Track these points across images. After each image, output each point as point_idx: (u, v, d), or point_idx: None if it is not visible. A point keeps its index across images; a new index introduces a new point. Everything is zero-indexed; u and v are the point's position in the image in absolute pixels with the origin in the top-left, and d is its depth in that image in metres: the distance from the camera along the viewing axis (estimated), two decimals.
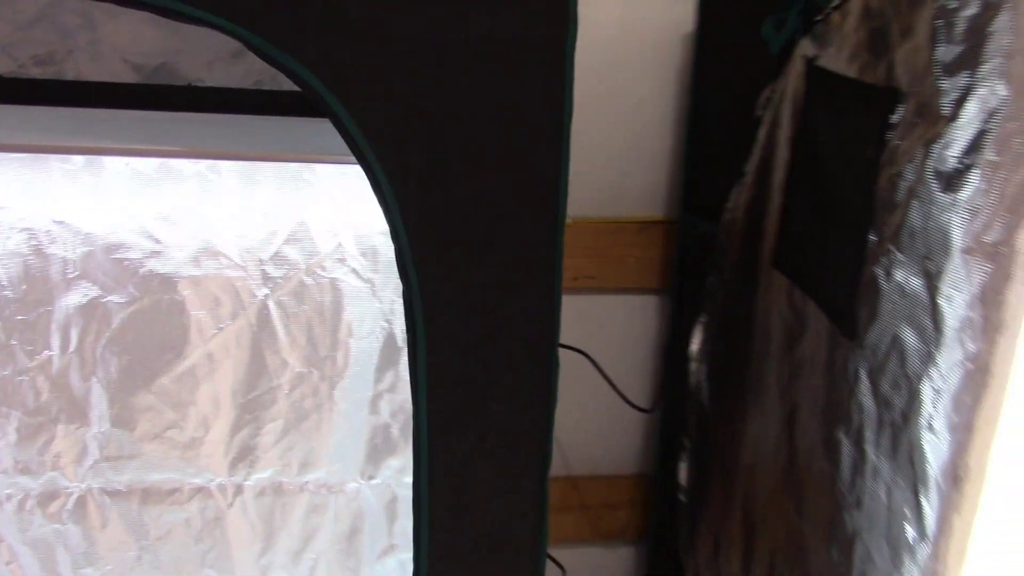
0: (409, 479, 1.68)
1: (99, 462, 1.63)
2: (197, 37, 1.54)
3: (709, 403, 1.57)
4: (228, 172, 1.58)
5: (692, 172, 1.75)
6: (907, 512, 0.97)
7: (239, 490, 1.69)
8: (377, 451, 1.72)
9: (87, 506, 1.65)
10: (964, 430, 0.93)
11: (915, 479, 0.96)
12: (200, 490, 1.68)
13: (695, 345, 1.57)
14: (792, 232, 1.28)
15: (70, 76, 1.52)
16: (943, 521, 0.94)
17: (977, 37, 0.89)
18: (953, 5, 0.91)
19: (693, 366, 1.59)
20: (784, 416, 1.28)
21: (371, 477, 1.73)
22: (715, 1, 1.68)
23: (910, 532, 0.97)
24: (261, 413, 1.67)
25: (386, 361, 1.69)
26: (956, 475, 0.93)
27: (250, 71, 1.59)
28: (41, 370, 1.58)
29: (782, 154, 1.31)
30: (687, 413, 1.61)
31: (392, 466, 1.73)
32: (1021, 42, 0.86)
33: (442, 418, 1.21)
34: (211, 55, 1.55)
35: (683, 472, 1.63)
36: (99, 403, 1.61)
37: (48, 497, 1.63)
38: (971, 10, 0.89)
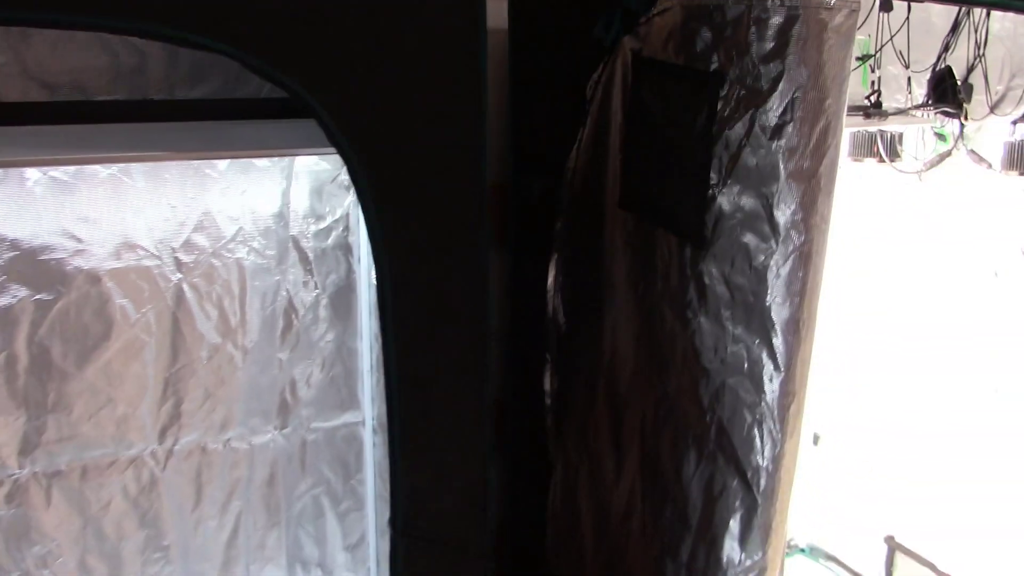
0: (317, 424, 2.00)
1: (39, 447, 1.78)
2: (101, 56, 1.70)
3: (565, 323, 1.97)
4: (137, 173, 1.78)
5: (520, 142, 2.14)
6: (764, 357, 1.43)
7: (169, 454, 1.90)
8: (285, 404, 1.99)
9: (30, 490, 1.79)
10: (798, 295, 1.39)
11: (768, 335, 1.42)
12: (134, 460, 1.88)
13: (551, 279, 1.97)
14: (634, 180, 1.70)
15: None
16: (790, 357, 1.41)
17: (783, 38, 1.34)
18: (765, 16, 1.35)
19: (549, 296, 1.99)
20: (643, 316, 1.71)
21: (283, 427, 1.99)
22: (522, 4, 2.07)
23: (768, 370, 1.43)
24: (183, 384, 1.89)
25: (287, 325, 1.96)
26: (797, 326, 1.39)
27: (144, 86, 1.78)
28: None
29: (616, 122, 1.73)
30: (546, 335, 2.01)
31: (301, 415, 2.00)
32: (811, 40, 1.32)
33: (405, 342, 1.51)
34: (112, 73, 1.72)
35: (547, 381, 2.03)
36: (35, 393, 1.76)
37: None
38: (777, 19, 1.34)
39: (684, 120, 1.53)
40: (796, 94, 1.34)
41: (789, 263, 1.39)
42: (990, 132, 1.97)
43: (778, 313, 1.40)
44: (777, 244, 1.39)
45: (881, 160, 2.20)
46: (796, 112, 1.35)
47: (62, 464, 1.81)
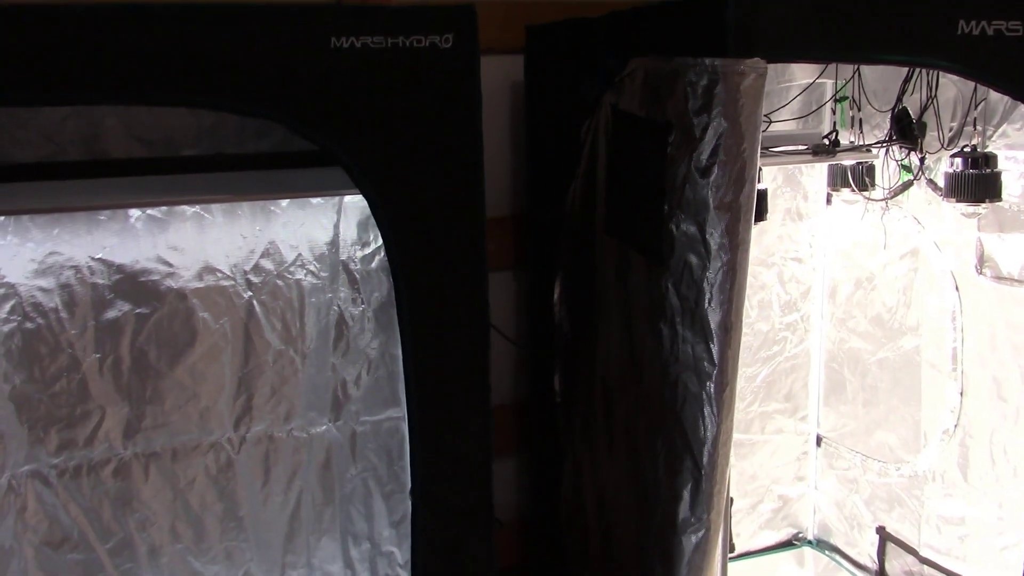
0: (365, 418, 2.38)
1: (138, 433, 2.21)
2: (187, 118, 2.13)
3: (569, 332, 2.32)
4: (216, 211, 2.20)
5: (534, 178, 2.51)
6: (704, 355, 1.76)
7: (243, 441, 2.30)
8: (338, 401, 2.37)
9: (131, 467, 2.22)
10: (726, 303, 1.72)
11: (706, 336, 1.75)
12: (214, 444, 2.29)
13: (556, 294, 2.32)
14: (615, 210, 2.05)
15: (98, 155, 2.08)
16: (722, 354, 1.73)
17: (708, 96, 1.67)
18: (695, 80, 1.69)
19: (556, 309, 2.34)
20: (624, 325, 2.04)
21: (336, 420, 2.38)
22: (536, 61, 2.45)
23: (706, 365, 1.75)
24: (254, 382, 2.29)
25: (339, 335, 2.35)
26: (726, 327, 1.72)
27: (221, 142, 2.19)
28: (91, 368, 2.14)
29: (603, 162, 2.08)
30: (556, 342, 2.36)
31: (350, 410, 2.38)
32: (728, 97, 1.66)
33: (419, 347, 1.87)
34: (196, 131, 2.15)
35: (557, 382, 2.38)
36: (136, 388, 2.18)
37: (102, 464, 2.19)
38: (703, 83, 1.68)
39: (646, 161, 1.88)
40: (719, 140, 1.68)
41: (719, 276, 1.71)
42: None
43: (712, 318, 1.73)
44: (710, 261, 1.72)
45: (853, 190, 2.50)
46: (719, 155, 1.68)
47: (157, 447, 2.23)
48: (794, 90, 2.52)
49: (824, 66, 2.38)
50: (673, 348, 1.84)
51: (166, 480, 2.25)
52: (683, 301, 1.80)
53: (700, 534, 1.83)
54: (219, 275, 2.21)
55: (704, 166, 1.71)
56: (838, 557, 2.89)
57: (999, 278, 2.25)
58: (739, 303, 1.74)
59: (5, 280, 2.04)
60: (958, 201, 2.15)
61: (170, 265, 2.17)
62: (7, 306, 2.05)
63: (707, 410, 1.77)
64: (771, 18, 1.68)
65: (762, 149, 2.29)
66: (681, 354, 1.82)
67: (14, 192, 1.93)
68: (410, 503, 1.96)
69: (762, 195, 2.18)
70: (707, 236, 1.72)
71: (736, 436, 2.79)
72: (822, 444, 2.90)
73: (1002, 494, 2.31)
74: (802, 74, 2.49)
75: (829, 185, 2.66)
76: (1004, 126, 2.19)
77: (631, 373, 2.05)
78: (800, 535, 2.99)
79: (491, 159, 2.58)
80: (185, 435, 2.25)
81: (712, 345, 1.75)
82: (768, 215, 2.55)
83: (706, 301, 1.75)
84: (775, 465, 2.92)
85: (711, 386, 1.78)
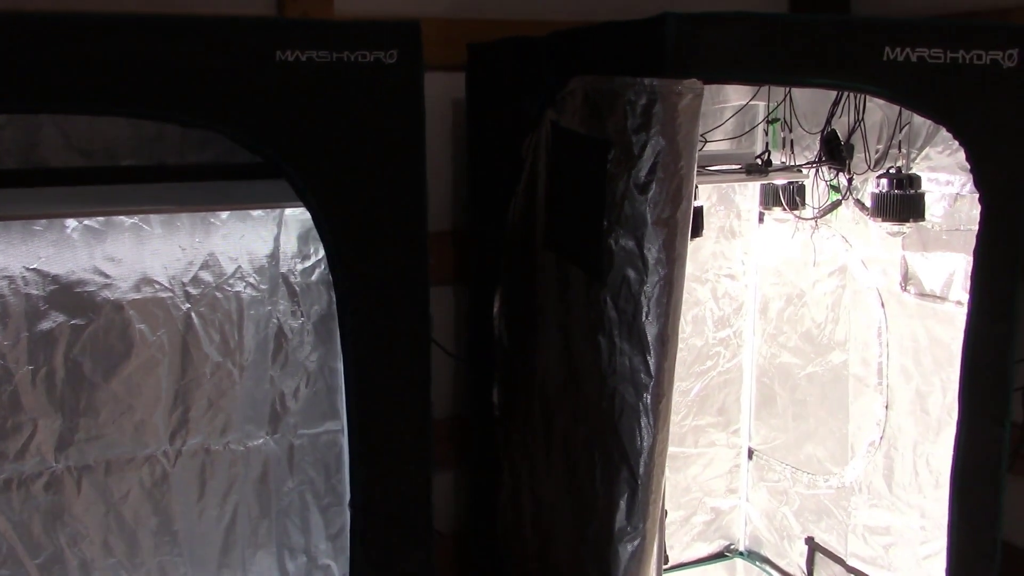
0: (303, 431, 2.38)
1: (71, 446, 2.17)
2: (127, 128, 2.12)
3: (508, 345, 2.34)
4: (155, 222, 2.19)
5: (477, 195, 2.54)
6: (640, 367, 1.80)
7: (178, 454, 2.29)
8: (276, 414, 2.37)
9: (63, 481, 2.19)
10: (663, 316, 1.76)
11: (643, 348, 1.79)
12: (149, 458, 2.26)
13: (496, 308, 2.34)
14: (554, 225, 2.08)
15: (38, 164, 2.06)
16: (659, 366, 1.77)
17: (646, 115, 1.71)
18: (634, 99, 1.74)
19: (495, 322, 2.36)
20: (562, 339, 2.08)
21: (273, 432, 2.37)
22: (478, 78, 2.48)
23: (643, 377, 1.79)
24: (191, 395, 2.28)
25: (278, 347, 2.34)
26: (663, 339, 1.76)
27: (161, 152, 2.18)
28: (24, 380, 2.10)
29: (542, 178, 2.12)
30: (495, 356, 2.38)
31: (288, 423, 2.38)
32: (666, 116, 1.71)
33: (360, 360, 1.88)
34: (136, 142, 2.14)
35: (496, 395, 2.40)
36: (70, 400, 2.15)
37: (33, 477, 2.15)
38: (643, 102, 1.72)
39: (586, 177, 1.92)
40: (657, 158, 1.73)
41: (656, 290, 1.76)
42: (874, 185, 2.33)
43: (649, 330, 1.78)
44: (647, 275, 1.77)
45: (785, 209, 2.57)
46: (657, 173, 1.73)
47: (90, 460, 2.19)
48: (728, 111, 2.59)
49: (757, 88, 2.46)
50: (611, 360, 1.88)
51: (99, 494, 2.22)
52: (621, 314, 1.84)
53: (636, 543, 1.86)
54: (157, 287, 2.20)
55: (643, 183, 1.75)
56: (768, 568, 2.95)
57: (922, 295, 2.34)
58: (675, 316, 1.79)
59: None
60: (884, 220, 2.23)
61: (107, 276, 2.15)
62: None
63: (644, 421, 1.81)
64: (708, 41, 1.73)
65: (698, 168, 2.36)
66: (619, 366, 1.86)
67: None
68: (348, 516, 1.97)
69: (698, 212, 2.23)
70: (645, 251, 1.77)
71: (670, 449, 2.83)
72: (753, 457, 2.97)
73: (924, 504, 2.39)
74: (736, 96, 2.56)
75: (761, 204, 2.73)
76: (927, 149, 2.27)
77: (569, 386, 2.08)
78: (732, 546, 3.05)
79: (433, 174, 2.58)
80: (120, 448, 2.22)
81: (649, 357, 1.80)
82: (704, 232, 2.61)
83: (643, 314, 1.79)
84: (708, 478, 2.98)
85: (648, 397, 1.83)
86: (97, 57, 1.59)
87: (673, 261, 1.75)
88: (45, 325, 2.11)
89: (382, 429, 1.94)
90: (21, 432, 2.13)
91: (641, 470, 1.83)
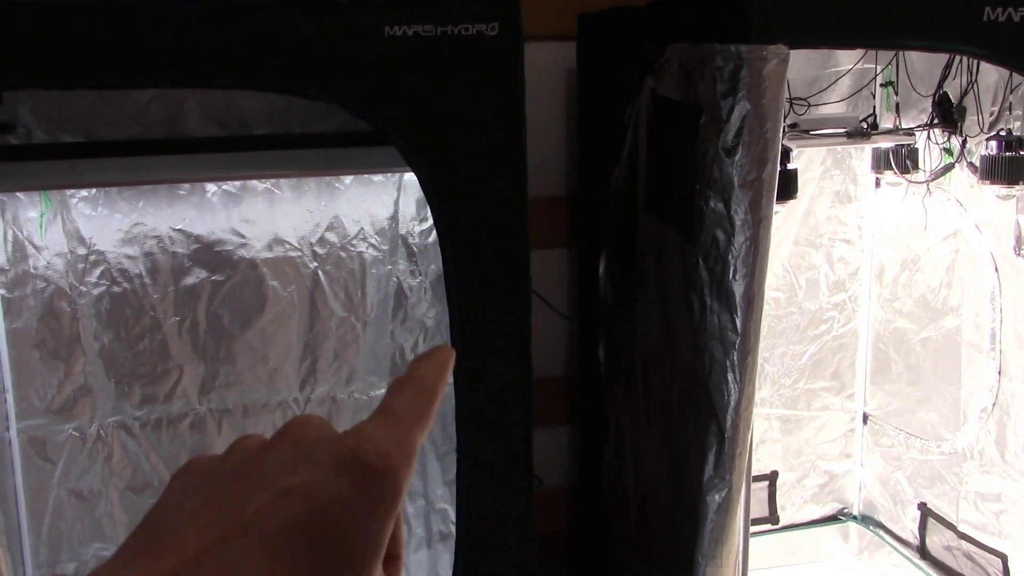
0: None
1: (213, 390, 2.40)
2: (260, 100, 2.31)
3: (613, 305, 2.44)
4: (285, 186, 2.38)
5: (584, 161, 2.63)
6: (728, 324, 1.87)
7: (307, 401, 2.49)
8: (396, 366, 2.54)
9: (206, 421, 2.42)
10: (749, 276, 1.82)
11: (731, 307, 1.86)
12: (281, 403, 2.48)
13: (601, 269, 2.44)
14: (653, 189, 2.16)
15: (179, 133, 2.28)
16: (745, 324, 1.84)
17: (734, 80, 1.77)
18: (721, 65, 1.79)
19: (601, 283, 2.46)
20: (660, 298, 2.16)
21: None
22: (587, 48, 2.56)
23: (730, 335, 1.86)
24: (319, 347, 2.47)
25: (398, 304, 2.51)
26: (749, 298, 1.83)
27: (290, 122, 2.37)
28: (171, 330, 2.34)
29: (643, 145, 2.20)
30: (600, 315, 2.49)
31: None
32: (752, 81, 1.76)
33: (464, 315, 2.01)
34: (267, 112, 2.33)
35: (601, 352, 2.51)
36: (211, 349, 2.38)
37: (180, 417, 2.40)
38: (730, 68, 1.78)
39: (679, 142, 1.99)
40: (743, 122, 1.78)
41: (742, 250, 1.82)
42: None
43: (736, 289, 1.84)
44: (734, 236, 1.83)
45: (896, 173, 2.56)
46: (744, 136, 1.78)
47: (230, 403, 2.43)
48: (841, 75, 2.58)
49: (863, 53, 2.45)
50: (702, 319, 1.95)
51: (237, 434, 2.40)
52: (711, 274, 1.91)
53: (723, 493, 1.94)
54: (287, 246, 2.39)
55: (730, 146, 1.81)
56: (881, 532, 2.95)
57: None
58: (761, 276, 1.84)
59: (96, 247, 2.25)
60: (992, 183, 2.21)
61: (243, 236, 2.36)
62: (97, 271, 2.26)
63: (730, 376, 1.88)
64: (793, 6, 1.77)
65: (803, 132, 2.38)
66: (709, 324, 1.93)
67: (104, 167, 2.13)
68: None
69: (791, 174, 2.26)
70: (732, 212, 1.83)
71: (783, 412, 2.90)
72: (868, 422, 2.97)
73: None
74: (847, 60, 2.56)
75: (873, 168, 2.72)
76: None
77: (666, 344, 2.16)
78: (845, 510, 3.06)
79: (546, 142, 2.73)
80: (255, 394, 2.44)
81: (736, 316, 1.86)
82: (812, 196, 2.63)
83: (731, 273, 1.86)
84: (821, 441, 2.99)
85: (734, 354, 1.89)
86: (229, 37, 1.77)
87: (759, 222, 1.81)
88: (189, 280, 2.33)
89: (485, 382, 2.07)
90: (169, 377, 2.37)
91: (728, 424, 1.91)
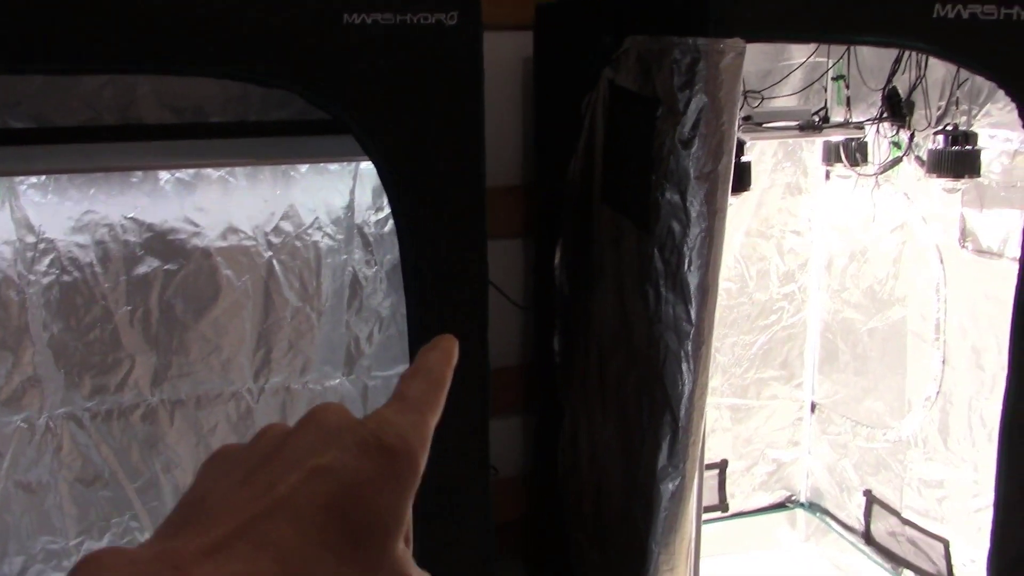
0: (376, 373, 2.53)
1: (165, 381, 2.38)
2: (215, 87, 2.28)
3: (568, 295, 2.46)
4: (240, 175, 2.36)
5: (541, 151, 2.64)
6: (683, 315, 1.89)
7: (261, 391, 2.47)
8: (351, 356, 2.53)
9: (158, 412, 2.39)
10: (703, 267, 1.85)
11: (685, 298, 1.88)
12: (235, 394, 2.46)
13: (557, 259, 2.46)
14: (609, 180, 2.18)
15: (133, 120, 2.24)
16: (699, 314, 1.86)
17: (691, 73, 1.79)
18: (679, 57, 1.81)
19: (556, 273, 2.48)
20: (616, 289, 2.18)
21: (348, 374, 2.54)
22: (544, 38, 2.57)
23: (685, 325, 1.89)
24: (273, 336, 2.46)
25: (353, 294, 2.50)
26: (704, 289, 1.85)
27: (246, 109, 2.35)
28: (123, 320, 2.31)
29: (600, 135, 2.21)
30: (556, 305, 2.50)
31: (363, 365, 2.54)
32: (709, 74, 1.78)
33: (421, 306, 2.01)
34: (223, 100, 2.30)
35: (556, 342, 2.52)
36: (164, 339, 2.35)
37: (131, 408, 2.37)
38: (687, 60, 1.80)
39: (637, 134, 2.01)
40: (700, 115, 1.80)
41: (698, 241, 1.85)
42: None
43: (691, 280, 1.87)
44: (690, 227, 1.85)
45: (846, 165, 2.61)
46: (700, 128, 1.80)
47: (182, 394, 2.40)
48: (794, 69, 2.62)
49: (815, 47, 2.49)
50: (657, 309, 1.98)
51: (190, 426, 2.42)
52: (666, 265, 1.93)
53: (677, 482, 1.97)
54: (242, 235, 2.37)
55: (686, 138, 1.83)
56: (828, 519, 3.02)
57: (980, 251, 2.36)
58: (715, 267, 1.87)
59: (45, 236, 2.21)
60: (939, 176, 2.26)
61: (196, 225, 2.33)
62: (47, 260, 2.22)
63: (684, 367, 1.91)
64: (750, 1, 1.80)
65: (756, 124, 2.41)
66: (664, 315, 1.96)
67: (55, 154, 2.10)
68: None
69: (745, 167, 2.29)
70: (688, 204, 1.85)
71: (733, 401, 2.94)
72: (816, 411, 3.02)
73: (978, 458, 2.43)
74: (800, 54, 2.60)
75: (824, 161, 2.77)
76: (988, 105, 2.28)
77: (622, 333, 2.18)
78: (793, 497, 3.12)
79: (503, 131, 2.73)
80: (208, 384, 2.42)
81: (690, 306, 1.89)
82: (763, 188, 2.67)
83: (686, 264, 1.88)
84: (770, 430, 3.05)
85: (688, 344, 1.92)
86: (184, 22, 1.75)
87: (714, 214, 1.83)
88: (141, 269, 2.30)
89: None
90: (120, 367, 2.34)
91: (682, 413, 1.93)
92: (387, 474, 0.44)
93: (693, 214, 1.85)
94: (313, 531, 0.41)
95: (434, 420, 0.49)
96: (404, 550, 0.45)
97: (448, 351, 0.52)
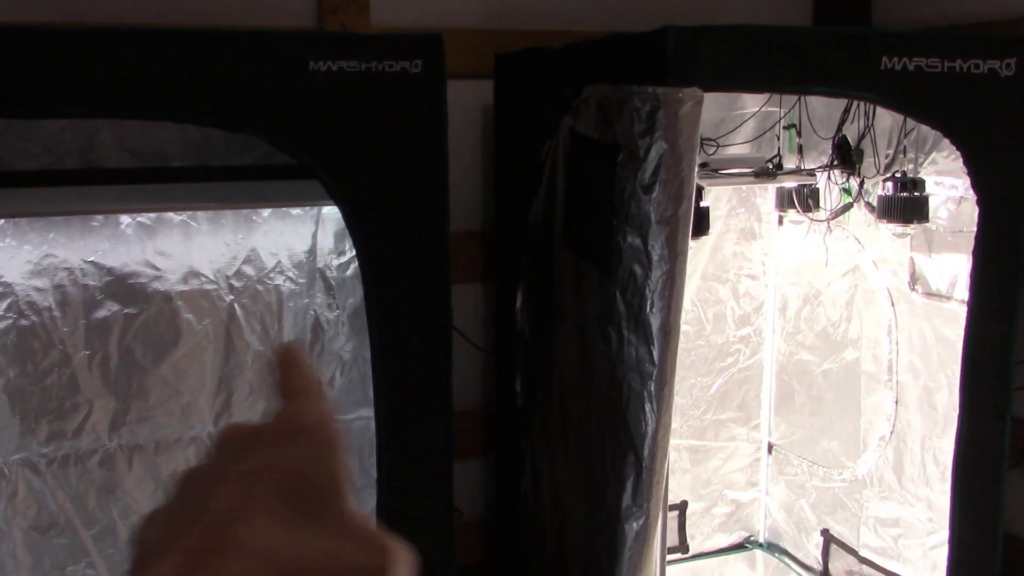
0: (338, 416, 2.53)
1: (124, 426, 2.35)
2: (175, 132, 2.29)
3: (530, 339, 2.48)
4: (201, 219, 2.36)
5: (501, 197, 2.68)
6: (645, 356, 1.92)
7: None
8: None
9: (116, 458, 2.36)
10: (665, 309, 1.89)
11: (648, 339, 1.91)
12: (195, 439, 2.44)
13: (518, 304, 2.48)
14: (571, 225, 2.22)
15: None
16: (662, 355, 1.90)
17: (651, 120, 1.84)
18: (639, 105, 1.86)
19: (518, 317, 2.50)
20: (578, 332, 2.21)
21: None
22: (504, 86, 2.62)
23: (648, 366, 1.92)
24: (234, 381, 2.45)
25: (315, 337, 2.50)
26: (666, 331, 1.89)
27: (207, 154, 2.35)
28: (81, 364, 2.29)
29: (560, 181, 2.25)
30: (517, 348, 2.52)
31: None
32: (668, 122, 1.83)
33: (386, 349, 2.02)
34: (184, 144, 2.31)
35: (518, 385, 2.54)
36: (123, 383, 2.33)
37: (89, 454, 2.34)
38: (647, 108, 1.85)
39: (598, 179, 2.05)
40: (661, 161, 1.85)
41: (659, 284, 1.88)
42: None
43: (653, 322, 1.90)
44: (651, 271, 1.89)
45: (798, 211, 2.68)
46: (660, 174, 1.85)
47: (141, 439, 2.37)
48: (748, 118, 2.70)
49: (768, 96, 2.57)
50: (619, 351, 2.01)
51: (148, 471, 2.40)
52: (628, 307, 1.97)
53: (641, 521, 1.98)
54: (203, 279, 2.37)
55: (647, 183, 1.88)
56: (787, 559, 3.05)
57: (929, 294, 2.43)
58: (677, 309, 1.91)
59: (3, 279, 2.19)
60: (889, 222, 2.33)
61: (157, 269, 2.33)
62: (4, 304, 2.20)
63: (648, 407, 1.94)
64: (708, 52, 1.86)
65: (712, 171, 2.47)
66: (626, 356, 1.99)
67: (14, 197, 2.09)
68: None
69: (704, 212, 2.35)
70: (649, 248, 1.89)
71: (691, 442, 2.97)
72: (773, 451, 3.07)
73: (932, 496, 2.48)
74: (753, 103, 2.67)
75: (777, 207, 2.84)
76: (934, 153, 2.37)
77: (584, 376, 2.21)
78: (752, 538, 3.15)
79: (463, 177, 2.76)
80: (167, 429, 2.40)
81: (653, 347, 1.92)
82: (719, 233, 2.73)
83: (648, 307, 1.92)
84: (729, 471, 3.08)
85: (652, 384, 1.95)
86: (147, 67, 1.76)
87: (675, 257, 1.88)
88: (101, 313, 2.29)
89: (406, 415, 2.08)
90: (78, 412, 2.31)
91: (645, 453, 1.96)
92: (311, 448, 0.51)
93: (655, 257, 1.89)
94: (276, 519, 0.47)
95: (322, 398, 0.54)
96: (360, 511, 0.51)
97: (286, 350, 0.57)
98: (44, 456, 2.30)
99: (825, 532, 2.86)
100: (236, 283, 2.40)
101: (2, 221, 2.18)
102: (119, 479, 2.37)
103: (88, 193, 2.19)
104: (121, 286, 2.30)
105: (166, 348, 2.36)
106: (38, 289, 2.23)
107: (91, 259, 2.27)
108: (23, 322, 2.22)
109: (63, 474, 2.32)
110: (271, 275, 2.44)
